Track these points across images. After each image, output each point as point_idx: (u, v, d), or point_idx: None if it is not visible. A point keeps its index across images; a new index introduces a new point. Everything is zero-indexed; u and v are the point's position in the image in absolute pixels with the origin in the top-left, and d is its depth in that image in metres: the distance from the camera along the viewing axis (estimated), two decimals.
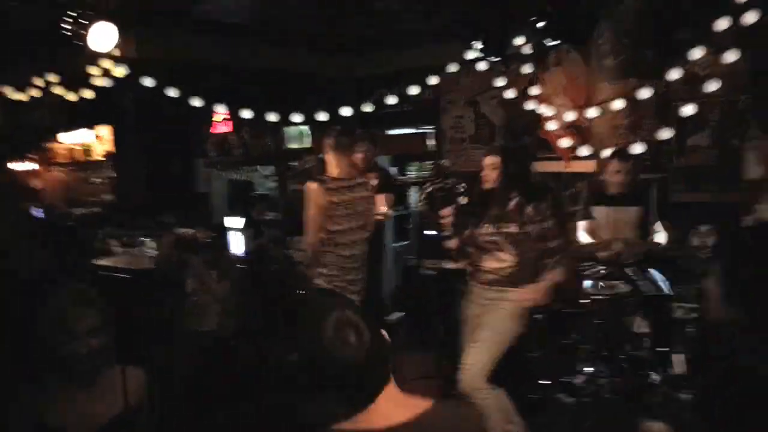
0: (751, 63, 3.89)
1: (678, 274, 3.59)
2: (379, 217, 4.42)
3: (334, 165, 3.75)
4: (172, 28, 5.27)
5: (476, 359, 3.04)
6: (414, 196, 7.46)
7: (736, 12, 3.75)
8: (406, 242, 6.57)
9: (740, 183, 4.01)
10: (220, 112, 7.24)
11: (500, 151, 3.27)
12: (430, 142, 7.14)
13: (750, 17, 3.71)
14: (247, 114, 5.63)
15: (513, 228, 3.11)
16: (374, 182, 4.51)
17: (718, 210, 4.12)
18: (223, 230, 4.54)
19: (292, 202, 7.34)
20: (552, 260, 3.09)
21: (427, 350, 4.59)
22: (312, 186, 3.67)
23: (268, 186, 7.93)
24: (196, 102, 5.50)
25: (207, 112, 6.86)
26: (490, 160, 3.21)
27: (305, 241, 3.82)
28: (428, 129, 7.08)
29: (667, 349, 3.49)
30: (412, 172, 7.83)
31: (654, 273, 3.70)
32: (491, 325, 3.10)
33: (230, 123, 7.88)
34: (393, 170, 7.56)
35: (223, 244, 4.46)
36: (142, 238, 5.31)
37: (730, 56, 3.93)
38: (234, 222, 6.36)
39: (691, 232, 3.68)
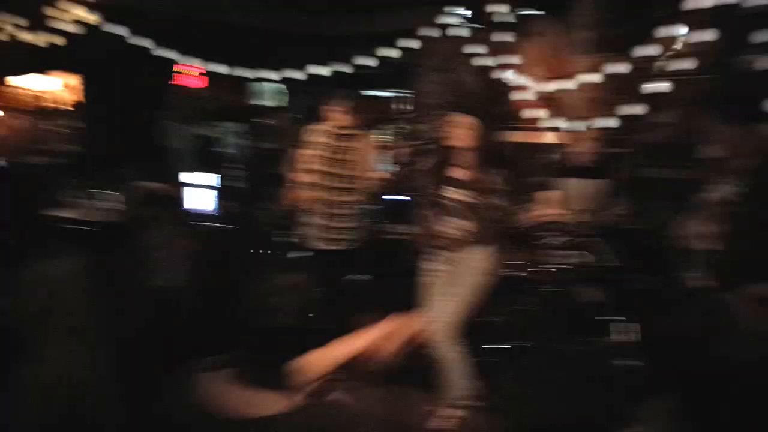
0: (720, 43, 3.93)
1: (633, 246, 3.68)
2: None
3: (334, 118, 3.98)
4: None
5: (444, 312, 3.09)
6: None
7: None
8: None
9: (702, 161, 4.10)
10: (192, 65, 7.11)
11: (478, 115, 3.17)
12: (405, 104, 7.11)
13: None
14: (219, 69, 5.54)
15: (477, 192, 3.11)
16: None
17: (682, 187, 4.22)
18: (191, 186, 4.49)
19: (264, 160, 7.32)
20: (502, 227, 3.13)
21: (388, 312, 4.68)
22: (309, 128, 4.05)
23: (239, 143, 7.82)
24: (168, 54, 5.39)
25: (177, 66, 6.73)
26: (466, 120, 3.13)
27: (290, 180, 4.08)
28: (403, 93, 7.04)
29: (617, 317, 3.61)
30: (388, 135, 7.80)
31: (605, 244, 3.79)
32: (461, 280, 3.14)
33: (202, 78, 7.75)
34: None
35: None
36: (108, 191, 5.24)
37: (702, 36, 3.98)
38: (204, 178, 6.33)
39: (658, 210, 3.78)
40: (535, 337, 3.66)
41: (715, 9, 3.76)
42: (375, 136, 4.21)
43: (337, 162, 3.93)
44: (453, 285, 3.15)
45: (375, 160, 4.14)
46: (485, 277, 3.15)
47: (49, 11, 4.60)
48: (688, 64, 4.12)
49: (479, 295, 3.13)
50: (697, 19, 3.97)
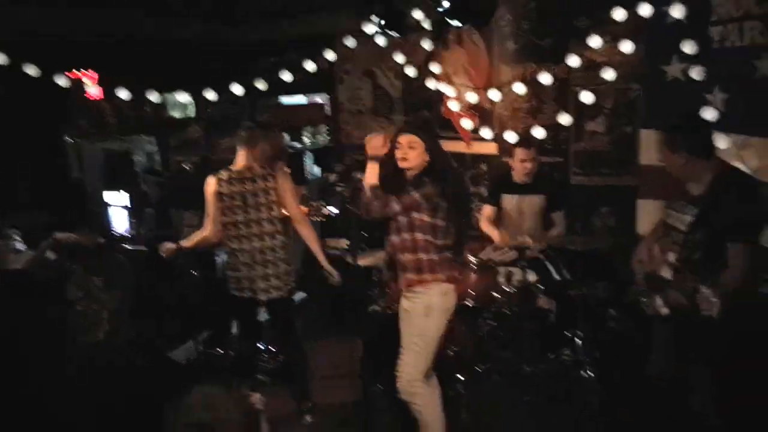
0: (645, 54, 4.00)
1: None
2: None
3: (239, 157, 3.52)
4: None
5: (409, 365, 2.99)
6: (310, 163, 7.24)
7: (632, 3, 3.83)
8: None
9: (633, 167, 4.21)
10: (85, 73, 6.51)
11: (417, 130, 2.99)
12: (327, 110, 6.88)
13: (645, 10, 3.81)
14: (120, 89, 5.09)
15: (424, 214, 2.93)
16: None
17: (614, 193, 4.34)
18: (109, 233, 4.08)
19: (176, 176, 6.85)
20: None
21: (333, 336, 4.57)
22: (209, 179, 3.52)
23: (150, 154, 7.28)
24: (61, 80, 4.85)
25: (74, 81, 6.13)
26: (407, 139, 2.93)
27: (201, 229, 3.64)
28: (321, 99, 6.80)
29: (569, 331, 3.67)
30: (307, 139, 7.56)
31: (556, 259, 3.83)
32: (414, 326, 3.02)
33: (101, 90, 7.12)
34: (286, 137, 7.25)
35: (110, 245, 4.02)
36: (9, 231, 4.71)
37: (626, 46, 4.04)
38: (116, 198, 5.84)
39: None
40: (499, 359, 3.67)
41: (640, 18, 3.81)
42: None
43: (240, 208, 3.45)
44: (412, 333, 3.03)
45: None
46: (446, 314, 3.04)
47: None
48: (613, 73, 4.18)
49: (440, 335, 3.03)
50: (622, 29, 4.02)
